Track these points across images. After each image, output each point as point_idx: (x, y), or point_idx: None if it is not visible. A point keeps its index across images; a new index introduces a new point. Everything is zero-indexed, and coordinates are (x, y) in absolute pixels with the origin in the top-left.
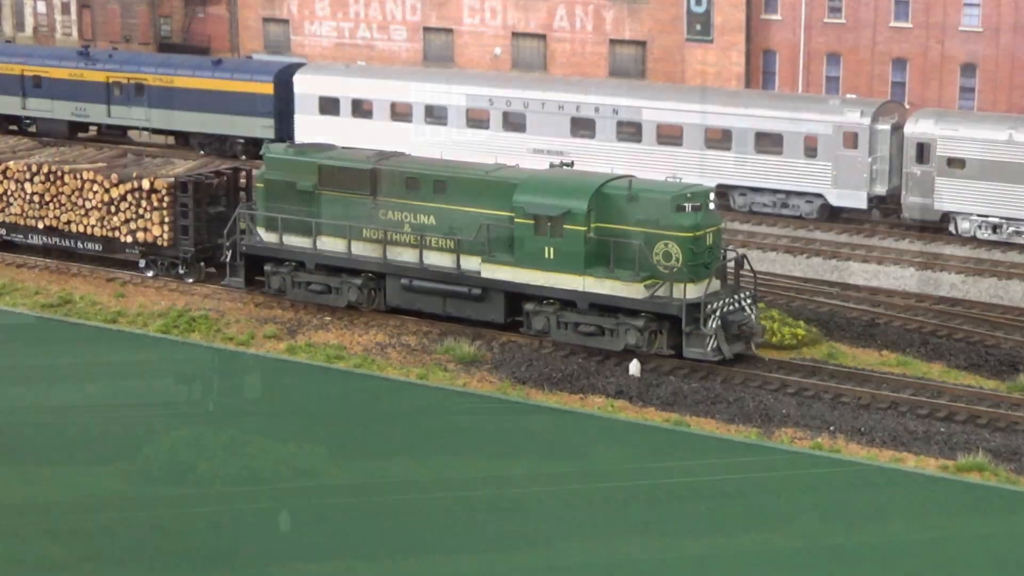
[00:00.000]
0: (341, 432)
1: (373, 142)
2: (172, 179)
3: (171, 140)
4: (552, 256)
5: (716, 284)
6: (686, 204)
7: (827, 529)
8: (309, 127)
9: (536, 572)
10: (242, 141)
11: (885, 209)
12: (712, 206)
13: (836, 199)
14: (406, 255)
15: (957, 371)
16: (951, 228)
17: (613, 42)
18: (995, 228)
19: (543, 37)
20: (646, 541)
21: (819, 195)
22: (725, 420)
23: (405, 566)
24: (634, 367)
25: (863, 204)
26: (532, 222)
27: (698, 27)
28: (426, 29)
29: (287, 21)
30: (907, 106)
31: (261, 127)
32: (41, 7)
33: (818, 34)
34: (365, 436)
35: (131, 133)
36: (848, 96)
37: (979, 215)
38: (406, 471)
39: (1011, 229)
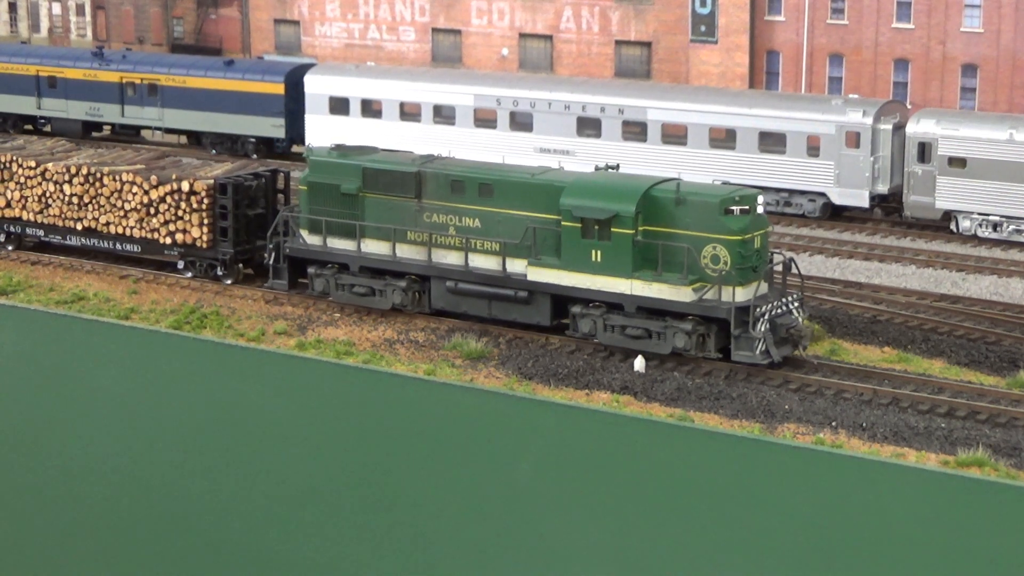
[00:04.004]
0: (346, 427)
1: (382, 142)
2: (211, 181)
3: (183, 140)
4: (599, 259)
5: (764, 287)
6: (734, 207)
7: (828, 523)
8: (319, 127)
9: (540, 564)
10: (253, 140)
11: (887, 208)
12: (760, 209)
13: (838, 198)
14: (451, 258)
15: (958, 367)
16: (952, 226)
17: (619, 43)
18: (995, 226)
19: (550, 38)
20: (649, 534)
21: (822, 194)
22: (728, 416)
23: (410, 561)
24: (639, 363)
25: (865, 203)
26: (579, 225)
27: (703, 28)
28: (435, 30)
29: (298, 22)
30: (909, 106)
31: (272, 127)
32: (56, 9)
33: (821, 35)
34: (370, 431)
35: (144, 133)
36: (850, 96)
37: (980, 214)
38: (411, 466)
39: (1011, 227)
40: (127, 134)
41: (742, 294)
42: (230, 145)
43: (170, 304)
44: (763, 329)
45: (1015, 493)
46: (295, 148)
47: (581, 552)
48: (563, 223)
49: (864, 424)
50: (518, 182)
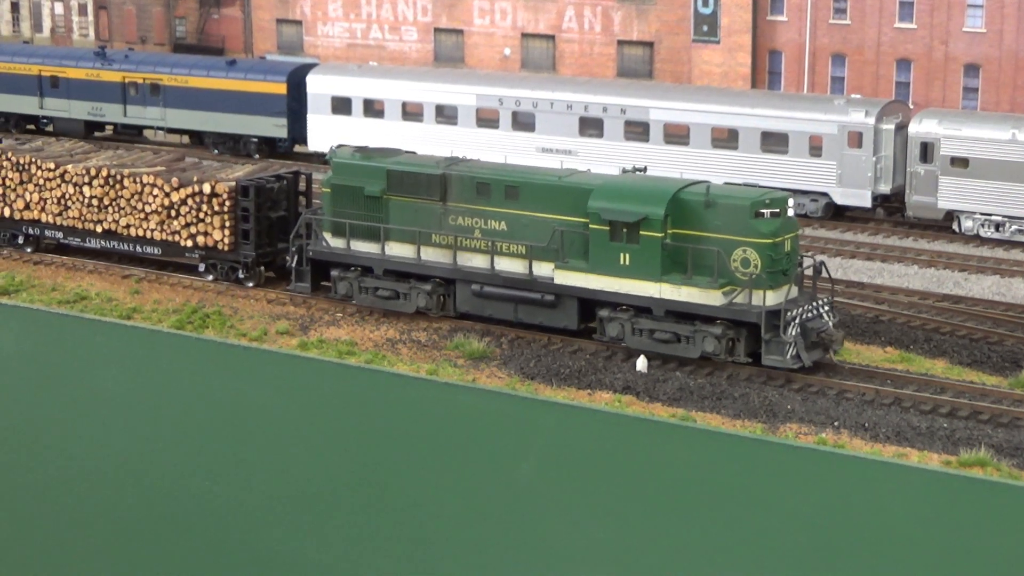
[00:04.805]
0: (348, 427)
1: (384, 142)
2: (233, 183)
3: (186, 139)
4: (627, 262)
5: (794, 291)
6: (765, 210)
7: (830, 523)
8: (322, 127)
9: (541, 564)
10: (256, 140)
11: (889, 208)
12: (791, 212)
13: (841, 198)
14: (476, 261)
15: (960, 367)
16: (954, 226)
17: (621, 43)
18: (997, 226)
19: (552, 38)
20: (651, 534)
21: (824, 194)
22: (731, 416)
23: (411, 561)
24: (641, 363)
25: (867, 203)
26: (607, 228)
27: (705, 28)
28: (437, 30)
29: (300, 22)
30: (911, 106)
31: (274, 127)
32: (59, 8)
33: (823, 35)
34: (372, 431)
35: (146, 132)
36: (853, 96)
37: (982, 214)
38: (413, 465)
39: (1013, 227)
40: (129, 134)
41: (772, 298)
42: (232, 145)
43: (172, 304)
44: (794, 333)
45: (1017, 493)
46: (297, 148)
47: (582, 552)
48: (591, 226)
49: (866, 424)
50: (545, 184)
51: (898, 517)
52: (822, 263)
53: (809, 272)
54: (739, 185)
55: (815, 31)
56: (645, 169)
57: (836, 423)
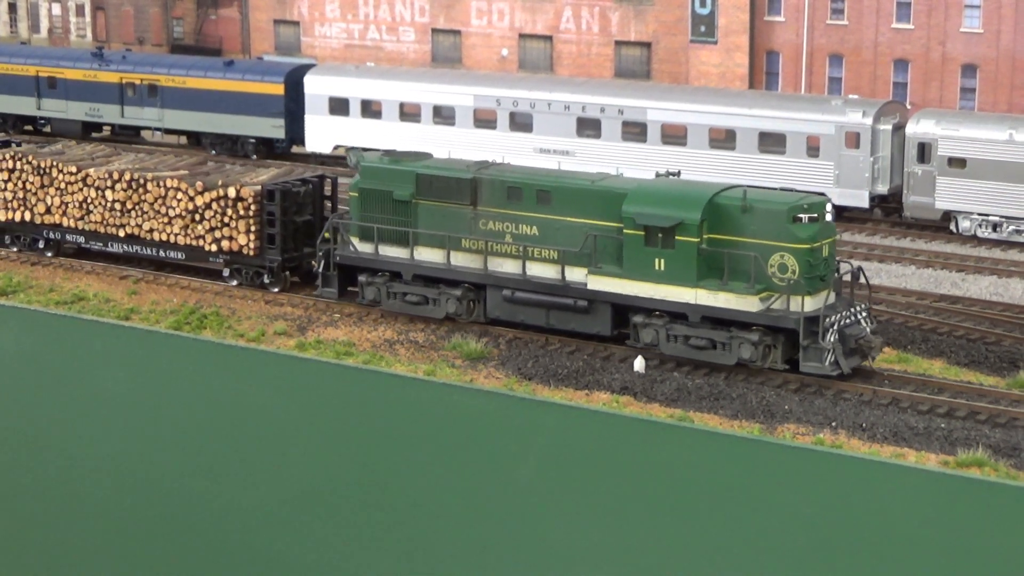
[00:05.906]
0: (346, 428)
1: (382, 142)
2: (259, 187)
3: (183, 140)
4: (662, 268)
5: (832, 296)
6: (803, 215)
7: (828, 523)
8: (319, 127)
9: (540, 564)
10: (253, 141)
11: (887, 208)
12: (829, 217)
13: (838, 198)
14: (508, 266)
15: (957, 368)
16: (952, 227)
17: (619, 43)
18: (995, 227)
19: (550, 38)
20: (649, 534)
21: (821, 194)
22: (729, 416)
23: (410, 561)
24: (639, 364)
25: (865, 203)
26: (642, 233)
27: (702, 28)
28: (434, 31)
29: (297, 23)
30: (909, 106)
31: (272, 127)
32: (56, 9)
33: (821, 35)
34: (370, 432)
35: (144, 133)
36: (850, 96)
37: (979, 214)
38: (411, 466)
39: (1011, 228)
40: (127, 135)
41: (811, 304)
42: (230, 146)
43: (170, 305)
44: (832, 340)
45: (1015, 493)
46: (295, 148)
47: (581, 552)
48: (625, 231)
49: (864, 424)
50: (577, 189)
51: (895, 517)
52: (859, 268)
53: (847, 278)
54: (777, 189)
55: (812, 31)
56: (679, 173)
57: (834, 423)
